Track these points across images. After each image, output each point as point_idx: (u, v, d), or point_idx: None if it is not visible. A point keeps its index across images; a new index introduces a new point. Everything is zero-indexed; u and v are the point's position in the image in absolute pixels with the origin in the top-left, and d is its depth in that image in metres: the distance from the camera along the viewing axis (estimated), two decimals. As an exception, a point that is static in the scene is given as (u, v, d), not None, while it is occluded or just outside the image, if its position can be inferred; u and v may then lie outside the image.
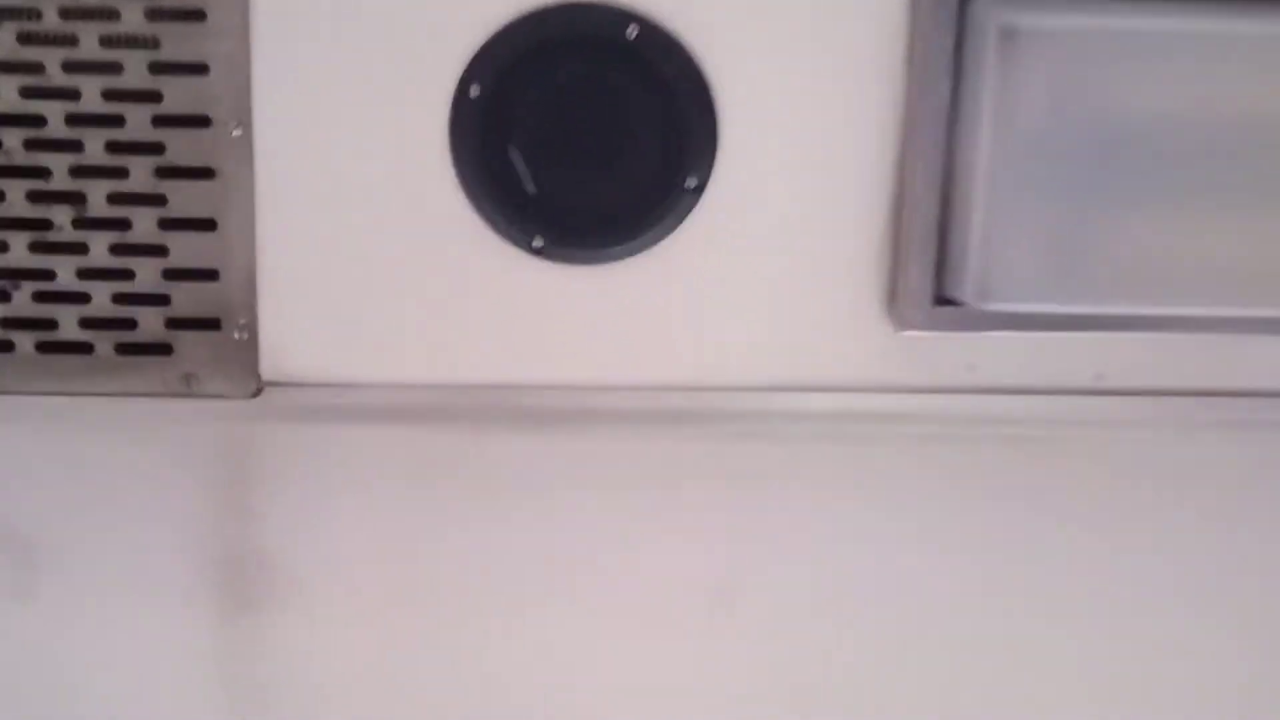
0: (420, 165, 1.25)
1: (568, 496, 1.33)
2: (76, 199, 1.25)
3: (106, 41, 1.22)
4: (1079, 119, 1.21)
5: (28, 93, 1.23)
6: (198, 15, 1.22)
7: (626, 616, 1.37)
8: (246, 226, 1.26)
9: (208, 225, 1.26)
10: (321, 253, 1.27)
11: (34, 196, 1.25)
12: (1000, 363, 1.30)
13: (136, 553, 1.34)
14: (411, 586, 1.35)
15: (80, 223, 1.26)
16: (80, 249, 1.26)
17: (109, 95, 1.23)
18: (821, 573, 1.36)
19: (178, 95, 1.24)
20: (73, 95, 1.23)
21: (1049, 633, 1.39)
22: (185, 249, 1.27)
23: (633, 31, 1.23)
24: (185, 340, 1.28)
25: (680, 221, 1.27)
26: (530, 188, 1.26)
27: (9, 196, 1.25)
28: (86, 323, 1.28)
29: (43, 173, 1.25)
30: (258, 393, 1.29)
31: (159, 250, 1.27)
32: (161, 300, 1.28)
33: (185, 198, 1.26)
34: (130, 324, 1.28)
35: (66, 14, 1.22)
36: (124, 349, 1.28)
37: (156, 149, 1.25)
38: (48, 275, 1.27)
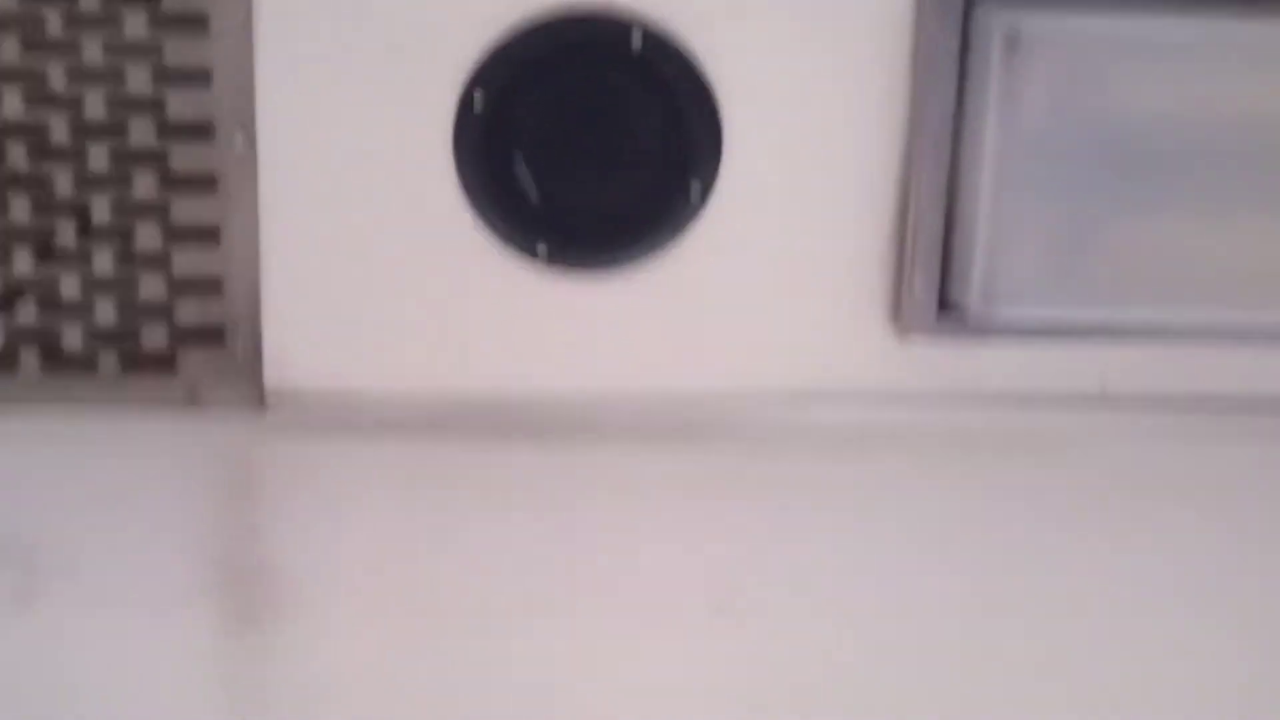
0: (424, 174, 1.25)
1: (572, 506, 1.33)
2: (80, 210, 1.25)
3: (109, 50, 1.22)
4: (1084, 124, 1.21)
5: (31, 102, 1.23)
6: (201, 23, 1.22)
7: (632, 626, 1.36)
8: (250, 237, 1.26)
9: (211, 236, 1.26)
10: (325, 263, 1.27)
11: (37, 208, 1.25)
12: (1005, 370, 1.30)
13: (141, 565, 1.33)
14: (416, 597, 1.35)
15: (84, 234, 1.25)
16: (84, 261, 1.26)
17: (112, 104, 1.23)
18: (826, 581, 1.36)
19: (181, 104, 1.23)
20: (75, 105, 1.23)
21: (1054, 642, 1.39)
22: (189, 260, 1.26)
23: (637, 40, 1.23)
24: (189, 352, 1.28)
25: (684, 230, 1.27)
26: (534, 197, 1.26)
27: (12, 208, 1.25)
28: (90, 336, 1.27)
29: (45, 183, 1.24)
30: (262, 404, 1.29)
31: (162, 262, 1.26)
32: (165, 312, 1.27)
33: (189, 208, 1.25)
34: (134, 336, 1.28)
35: (69, 22, 1.21)
36: (128, 361, 1.28)
37: (160, 159, 1.24)
38: (51, 288, 1.26)
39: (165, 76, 1.23)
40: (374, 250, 1.27)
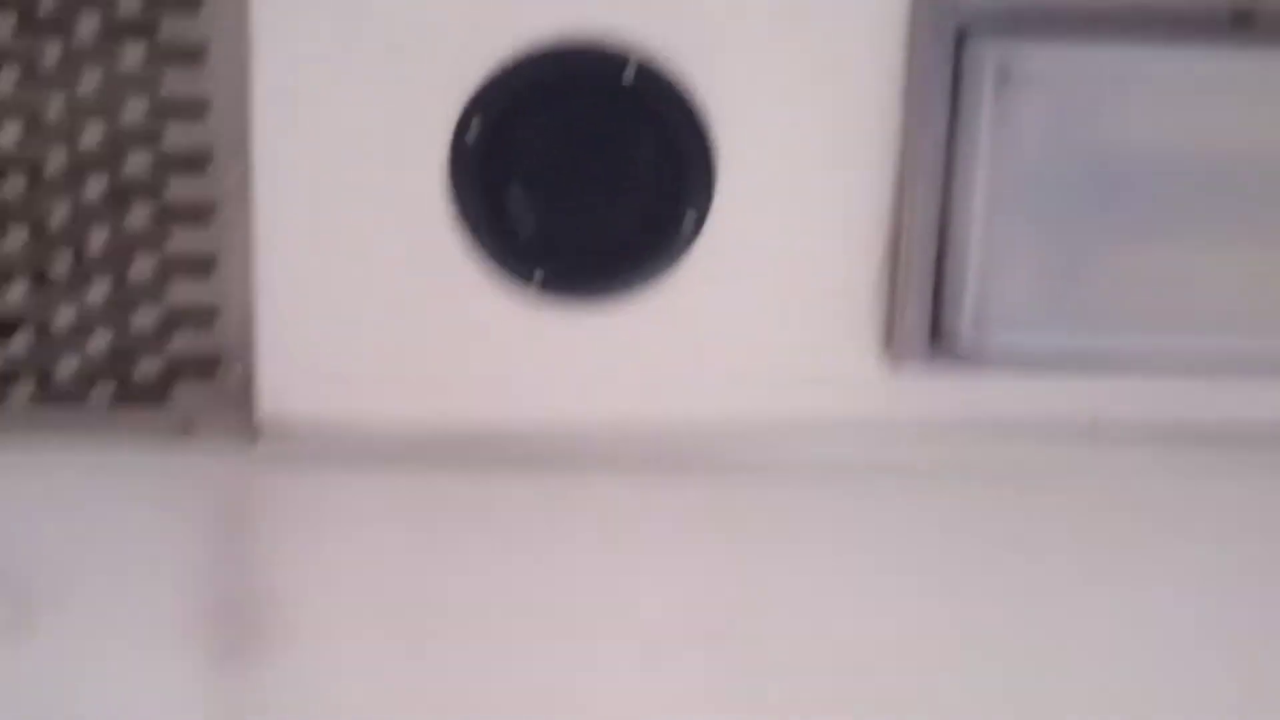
0: (419, 204, 1.25)
1: (567, 536, 1.33)
2: (75, 242, 1.25)
3: (106, 82, 1.22)
4: (1076, 155, 1.22)
5: (27, 135, 1.23)
6: (198, 56, 1.22)
7: (626, 658, 1.36)
8: (245, 268, 1.26)
9: (206, 267, 1.26)
10: (320, 294, 1.27)
11: (33, 240, 1.25)
12: (998, 399, 1.30)
13: (133, 596, 1.33)
14: (409, 628, 1.35)
15: (78, 266, 1.25)
16: (78, 292, 1.26)
17: (108, 136, 1.23)
18: (817, 612, 1.36)
19: (177, 136, 1.24)
20: (72, 136, 1.23)
21: (1045, 673, 1.39)
22: (183, 292, 1.26)
23: (631, 71, 1.24)
24: (183, 384, 1.28)
25: (678, 260, 1.27)
26: (528, 226, 1.26)
27: (7, 239, 1.25)
28: (84, 368, 1.27)
29: (41, 215, 1.24)
30: (256, 435, 1.29)
31: (157, 293, 1.26)
32: (159, 344, 1.27)
33: (184, 239, 1.25)
34: (127, 368, 1.27)
35: (66, 54, 1.22)
36: (121, 393, 1.28)
37: (155, 190, 1.24)
38: (46, 320, 1.26)
39: (162, 108, 1.23)
40: (369, 281, 1.27)
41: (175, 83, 1.23)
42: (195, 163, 1.24)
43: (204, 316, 1.27)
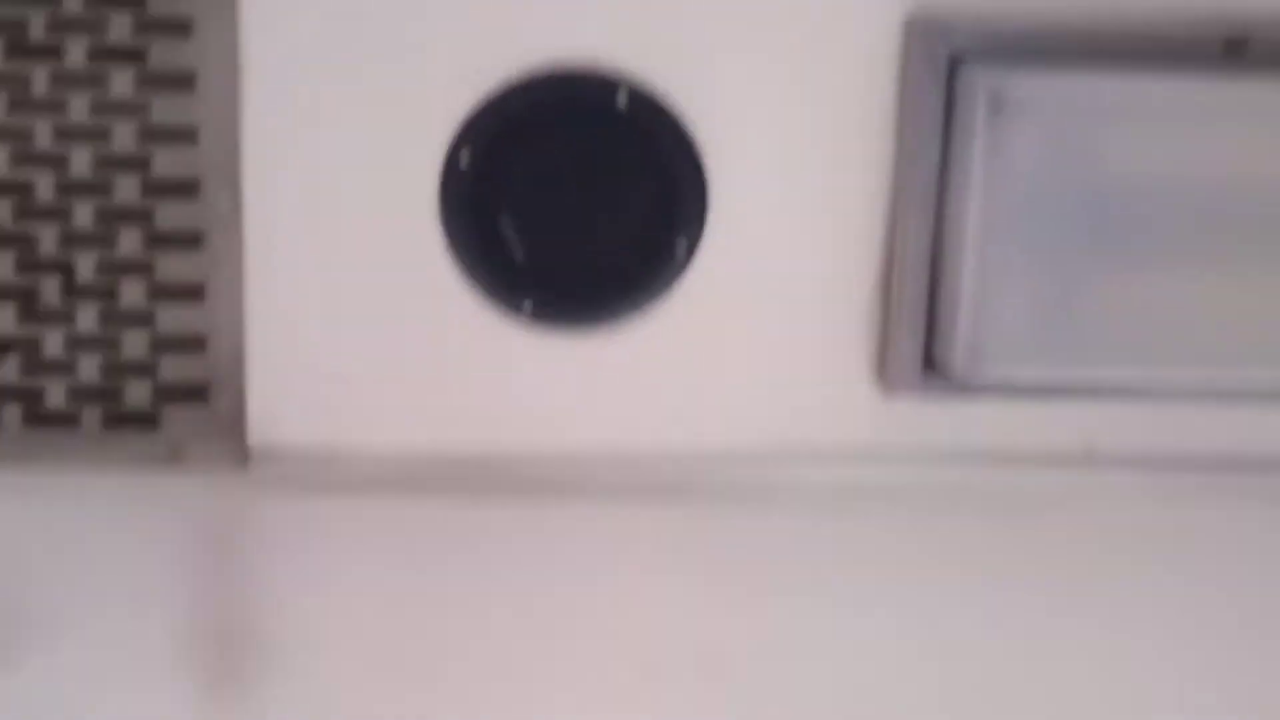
0: (410, 233, 1.25)
1: (557, 564, 1.32)
2: (64, 268, 1.25)
3: (96, 108, 1.22)
4: (1069, 183, 1.21)
5: (17, 160, 1.23)
6: (187, 82, 1.22)
7: (619, 686, 1.36)
8: (235, 295, 1.26)
9: (196, 294, 1.26)
10: (310, 320, 1.27)
11: (22, 265, 1.25)
12: (991, 429, 1.30)
13: (123, 623, 1.33)
14: (401, 656, 1.34)
15: (68, 292, 1.25)
16: (67, 318, 1.26)
17: (98, 162, 1.23)
18: (811, 640, 1.36)
19: (167, 162, 1.23)
20: (61, 162, 1.23)
21: (1039, 702, 1.38)
22: (173, 318, 1.26)
23: (623, 98, 1.23)
24: (172, 411, 1.28)
25: (670, 287, 1.27)
26: (520, 255, 1.26)
27: (-4, 265, 1.25)
28: (73, 394, 1.27)
29: (30, 241, 1.24)
30: (245, 462, 1.28)
31: (146, 319, 1.26)
32: (148, 370, 1.27)
33: (173, 266, 1.25)
34: (117, 394, 1.27)
35: (56, 80, 1.21)
36: (110, 420, 1.28)
37: (145, 216, 1.24)
38: (34, 345, 1.26)
39: (151, 135, 1.23)
40: (359, 308, 1.27)
41: (165, 109, 1.23)
42: (185, 189, 1.24)
43: (194, 343, 1.27)
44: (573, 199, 1.25)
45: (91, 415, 1.27)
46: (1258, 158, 1.21)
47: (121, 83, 1.22)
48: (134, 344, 1.26)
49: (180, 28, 1.21)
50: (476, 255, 1.26)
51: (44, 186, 1.23)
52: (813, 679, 1.36)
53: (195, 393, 1.27)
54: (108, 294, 1.25)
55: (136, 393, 1.27)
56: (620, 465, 1.30)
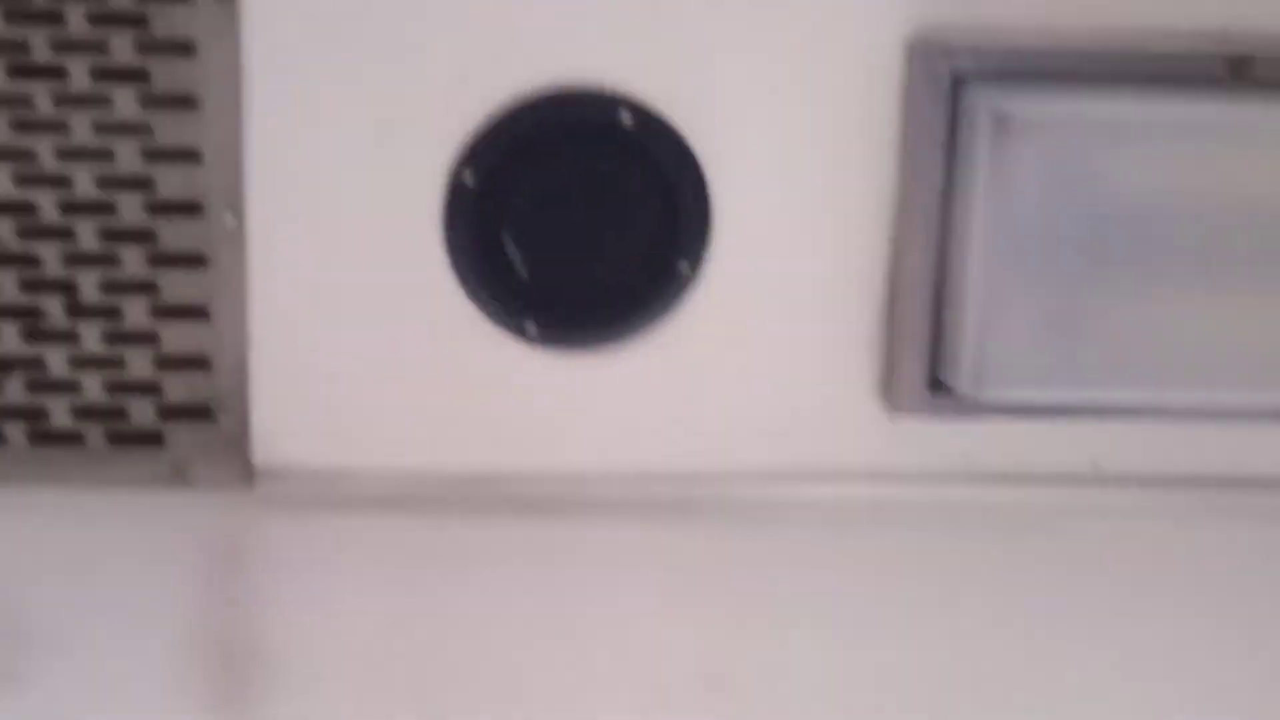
0: (414, 252, 1.25)
1: (562, 583, 1.32)
2: (68, 287, 1.25)
3: (99, 129, 1.22)
4: (1073, 204, 1.21)
5: (20, 180, 1.23)
6: (191, 102, 1.22)
7: (624, 703, 1.36)
8: (239, 314, 1.26)
9: (200, 313, 1.26)
10: (314, 340, 1.27)
11: (26, 285, 1.25)
12: (996, 449, 1.30)
13: (128, 642, 1.33)
14: (406, 673, 1.34)
15: (72, 311, 1.25)
16: (71, 338, 1.26)
17: (101, 182, 1.23)
18: (816, 658, 1.36)
19: (170, 182, 1.23)
20: (65, 183, 1.23)
21: (1046, 718, 1.38)
22: (177, 337, 1.26)
23: (626, 118, 1.23)
24: (177, 430, 1.28)
25: (673, 307, 1.27)
26: (523, 274, 1.26)
27: (1, 285, 1.25)
28: (78, 413, 1.27)
29: (34, 261, 1.24)
30: (250, 481, 1.28)
31: (150, 338, 1.26)
32: (153, 389, 1.27)
33: (177, 285, 1.25)
34: (121, 413, 1.27)
35: (59, 101, 1.21)
36: (115, 439, 1.28)
37: (149, 236, 1.24)
38: (39, 364, 1.26)
39: (155, 155, 1.23)
40: (363, 327, 1.27)
41: (168, 130, 1.23)
42: (189, 209, 1.24)
43: (198, 362, 1.27)
44: (576, 218, 1.25)
45: (96, 434, 1.28)
46: (1261, 178, 1.21)
47: (125, 103, 1.22)
48: (138, 363, 1.26)
49: (183, 48, 1.21)
50: (481, 275, 1.26)
51: (47, 206, 1.23)
52: (816, 698, 1.36)
53: (199, 412, 1.28)
54: (112, 313, 1.25)
55: (141, 412, 1.27)
56: (624, 484, 1.30)
